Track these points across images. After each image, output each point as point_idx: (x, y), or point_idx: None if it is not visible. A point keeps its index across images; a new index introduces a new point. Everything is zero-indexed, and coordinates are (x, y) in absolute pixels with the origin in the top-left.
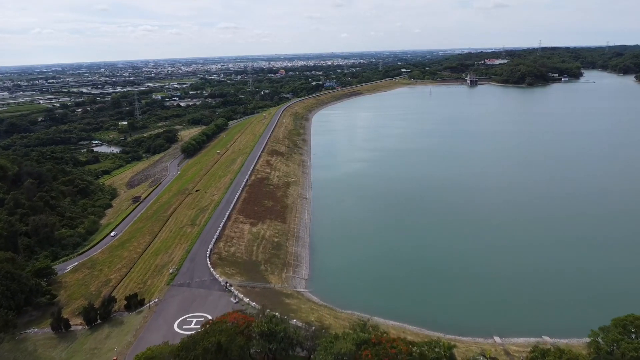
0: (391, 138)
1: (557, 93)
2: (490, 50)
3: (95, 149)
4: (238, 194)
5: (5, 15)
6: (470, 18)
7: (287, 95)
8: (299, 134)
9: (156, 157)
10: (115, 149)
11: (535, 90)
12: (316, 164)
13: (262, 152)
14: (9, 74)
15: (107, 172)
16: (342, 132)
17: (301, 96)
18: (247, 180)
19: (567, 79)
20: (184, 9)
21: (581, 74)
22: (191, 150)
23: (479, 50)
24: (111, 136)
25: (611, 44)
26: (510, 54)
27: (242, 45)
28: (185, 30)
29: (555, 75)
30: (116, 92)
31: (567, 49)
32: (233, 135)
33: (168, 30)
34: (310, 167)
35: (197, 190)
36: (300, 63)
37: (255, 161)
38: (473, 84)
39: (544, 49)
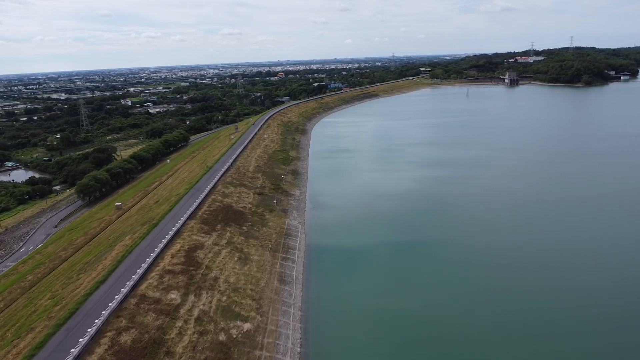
0: (447, 167)
1: (634, 95)
2: (493, 53)
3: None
4: None
5: (7, 24)
6: (476, 23)
7: (283, 99)
8: (287, 161)
9: (63, 194)
10: (35, 174)
11: (598, 90)
12: (314, 228)
13: (189, 217)
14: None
15: None
16: (359, 154)
17: (300, 99)
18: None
19: (627, 77)
20: (187, 16)
21: (637, 72)
22: (94, 191)
23: (482, 55)
24: (35, 155)
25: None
26: (538, 53)
27: (246, 52)
28: (189, 37)
29: (612, 72)
30: (82, 98)
31: (592, 49)
32: (179, 161)
33: (172, 37)
34: (302, 247)
35: None
36: (302, 68)
37: (153, 256)
38: (513, 83)
39: (577, 48)
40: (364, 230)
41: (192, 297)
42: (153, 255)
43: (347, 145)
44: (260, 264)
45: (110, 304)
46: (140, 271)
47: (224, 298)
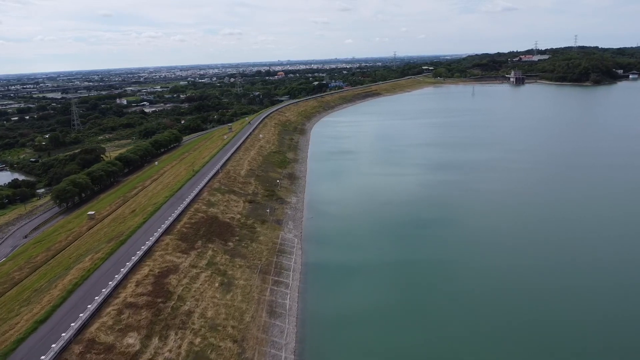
0: (456, 171)
1: None
2: (495, 53)
3: None
4: None
5: (7, 24)
6: (477, 23)
7: (282, 98)
8: (283, 163)
9: (45, 198)
10: (20, 176)
11: (608, 89)
12: (313, 243)
13: (165, 231)
14: None
15: None
16: (362, 156)
17: (299, 98)
18: None
19: (636, 75)
20: (187, 16)
21: None
22: (72, 196)
23: (485, 54)
24: (22, 156)
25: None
26: (542, 52)
27: (246, 52)
28: (189, 37)
29: (620, 71)
30: (76, 97)
31: (596, 48)
32: (167, 163)
33: (172, 37)
34: (298, 267)
35: None
36: (302, 67)
37: (113, 285)
38: (519, 82)
39: (580, 47)
40: (369, 245)
41: (155, 341)
42: (112, 283)
43: (348, 146)
44: (247, 291)
45: (42, 357)
46: (92, 306)
47: (198, 340)
